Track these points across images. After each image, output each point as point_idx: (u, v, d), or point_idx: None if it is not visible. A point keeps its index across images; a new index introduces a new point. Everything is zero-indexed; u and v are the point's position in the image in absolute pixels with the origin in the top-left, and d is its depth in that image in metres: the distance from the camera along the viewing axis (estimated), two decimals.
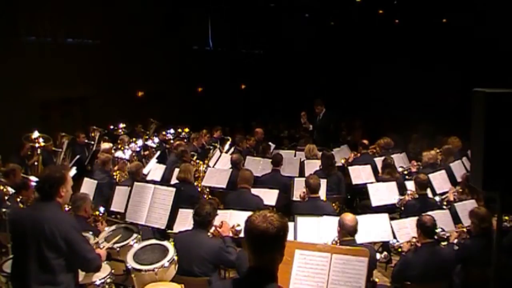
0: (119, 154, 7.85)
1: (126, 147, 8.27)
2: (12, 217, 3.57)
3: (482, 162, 2.75)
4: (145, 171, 7.24)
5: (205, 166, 7.55)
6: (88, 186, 5.97)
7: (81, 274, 3.47)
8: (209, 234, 4.25)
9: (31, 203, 5.05)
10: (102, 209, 5.09)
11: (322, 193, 5.80)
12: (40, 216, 3.13)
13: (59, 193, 3.22)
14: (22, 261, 3.16)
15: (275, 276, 2.09)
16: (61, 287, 3.12)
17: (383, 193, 6.14)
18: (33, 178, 6.08)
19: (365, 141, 8.53)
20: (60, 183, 3.21)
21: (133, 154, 8.14)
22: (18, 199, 5.21)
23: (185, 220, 4.74)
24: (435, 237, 4.39)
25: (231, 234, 4.40)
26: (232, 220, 4.74)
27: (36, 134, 7.01)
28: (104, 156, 7.03)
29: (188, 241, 4.10)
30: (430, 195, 5.98)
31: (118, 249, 4.14)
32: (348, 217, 4.18)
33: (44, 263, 3.09)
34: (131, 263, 3.79)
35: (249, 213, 2.19)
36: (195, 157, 7.95)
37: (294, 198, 6.12)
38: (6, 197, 5.24)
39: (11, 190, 5.30)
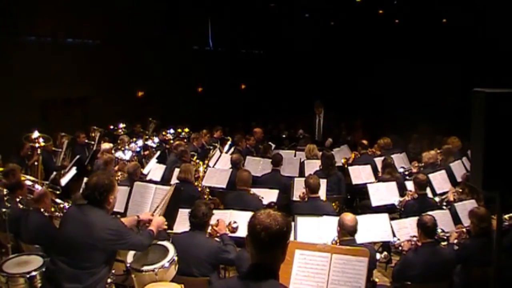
0: (119, 154, 7.85)
1: (126, 147, 8.27)
2: (62, 219, 3.67)
3: (482, 162, 2.75)
4: (145, 171, 7.25)
5: (205, 166, 7.55)
6: None
7: None
8: (206, 234, 4.26)
9: (30, 202, 5.04)
10: None
11: (322, 193, 5.80)
12: (89, 222, 3.26)
13: (108, 201, 3.37)
14: (62, 261, 3.25)
15: (276, 274, 2.10)
16: (95, 280, 3.26)
17: (383, 193, 6.15)
18: (29, 177, 6.09)
19: (365, 141, 8.54)
20: (109, 190, 3.35)
21: (133, 154, 8.13)
22: (18, 199, 5.19)
23: (185, 220, 4.72)
24: (435, 237, 4.39)
25: (228, 232, 4.41)
26: (232, 220, 4.74)
27: (36, 134, 6.99)
28: (107, 157, 7.04)
29: (186, 243, 4.09)
30: (430, 195, 5.98)
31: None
32: (348, 217, 4.18)
33: (85, 267, 3.21)
34: (131, 263, 3.78)
35: (249, 213, 2.20)
36: (195, 157, 7.95)
37: (294, 198, 6.12)
38: (5, 198, 5.22)
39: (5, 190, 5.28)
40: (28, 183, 5.66)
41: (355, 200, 7.49)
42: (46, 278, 3.45)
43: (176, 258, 3.81)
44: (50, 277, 3.32)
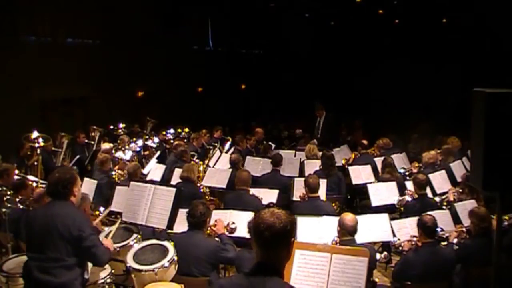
0: (119, 154, 7.84)
1: (126, 147, 8.26)
2: (28, 217, 3.66)
3: (482, 162, 2.75)
4: (145, 171, 7.24)
5: (205, 166, 7.55)
6: (88, 186, 5.96)
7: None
8: (205, 234, 4.26)
9: (31, 202, 5.04)
10: (102, 209, 5.08)
11: (322, 193, 5.80)
12: (54, 214, 3.27)
13: (73, 193, 3.39)
14: (35, 258, 3.28)
15: (281, 272, 2.12)
16: (70, 278, 3.23)
17: (383, 193, 6.14)
18: (31, 177, 6.07)
19: (365, 141, 8.54)
20: (72, 182, 3.38)
21: (133, 154, 8.13)
22: (18, 199, 5.19)
23: (185, 220, 4.72)
24: (436, 237, 4.39)
25: (226, 232, 4.41)
26: (232, 220, 4.73)
27: (35, 134, 7.00)
28: (102, 156, 7.01)
29: (185, 243, 4.09)
30: (430, 195, 5.98)
31: (118, 249, 4.14)
32: (348, 217, 4.19)
33: (55, 259, 3.21)
34: (131, 263, 3.79)
35: (249, 213, 2.19)
36: (195, 157, 7.95)
37: (294, 198, 6.12)
38: (5, 198, 5.22)
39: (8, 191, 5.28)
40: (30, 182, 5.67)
41: (355, 200, 7.48)
42: (24, 280, 3.48)
43: (176, 258, 3.82)
44: (25, 276, 3.38)
